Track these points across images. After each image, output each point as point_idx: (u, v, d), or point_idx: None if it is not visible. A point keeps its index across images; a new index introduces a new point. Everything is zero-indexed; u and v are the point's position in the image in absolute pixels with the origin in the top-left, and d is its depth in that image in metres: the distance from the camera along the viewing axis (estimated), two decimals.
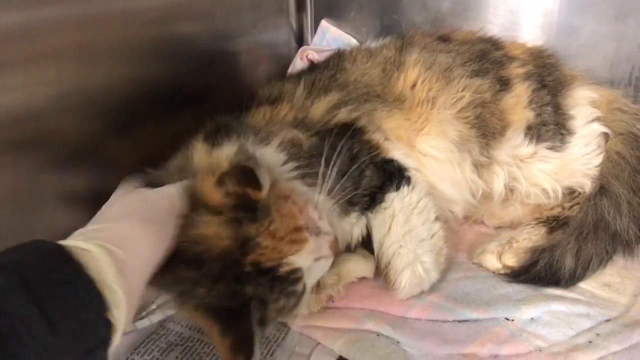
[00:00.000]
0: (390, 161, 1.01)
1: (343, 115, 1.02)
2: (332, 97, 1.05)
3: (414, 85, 1.09)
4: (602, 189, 1.07)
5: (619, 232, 1.01)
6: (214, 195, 0.73)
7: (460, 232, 1.19)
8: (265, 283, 0.75)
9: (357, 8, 1.46)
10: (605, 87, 1.18)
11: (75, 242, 0.64)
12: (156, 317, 1.03)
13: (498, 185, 1.12)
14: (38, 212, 0.91)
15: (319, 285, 0.98)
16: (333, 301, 1.01)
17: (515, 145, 1.11)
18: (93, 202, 0.79)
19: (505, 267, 1.03)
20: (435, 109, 1.07)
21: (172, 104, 1.11)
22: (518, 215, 1.18)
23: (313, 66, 1.22)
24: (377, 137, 1.02)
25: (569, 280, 0.99)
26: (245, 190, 0.72)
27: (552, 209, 1.13)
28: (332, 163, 0.90)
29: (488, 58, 1.14)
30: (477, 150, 1.07)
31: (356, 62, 1.14)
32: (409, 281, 0.96)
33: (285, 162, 0.91)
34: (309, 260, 0.79)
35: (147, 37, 1.05)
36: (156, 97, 1.07)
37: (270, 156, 0.89)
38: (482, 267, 1.07)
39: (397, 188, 0.98)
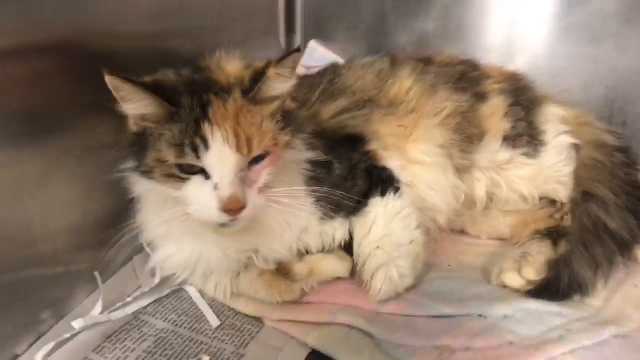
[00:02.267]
0: (383, 169, 1.04)
1: (348, 122, 1.07)
2: (339, 103, 1.09)
3: (409, 90, 1.13)
4: (586, 194, 1.10)
5: (616, 232, 1.03)
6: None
7: (440, 240, 1.20)
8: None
9: (344, 29, 1.52)
10: (572, 106, 1.23)
11: None
12: (131, 309, 1.03)
13: (480, 190, 1.15)
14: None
15: (289, 275, 0.99)
16: (306, 296, 1.02)
17: (493, 151, 1.14)
18: None
19: (528, 282, 1.02)
20: (423, 117, 1.11)
21: None
22: (499, 224, 1.20)
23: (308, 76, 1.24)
24: (375, 146, 1.05)
25: (592, 289, 0.99)
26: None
27: (546, 220, 1.15)
28: (333, 172, 0.98)
29: (466, 78, 1.19)
30: (459, 155, 1.11)
31: (352, 69, 1.19)
32: (383, 284, 0.97)
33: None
34: (217, 161, 0.79)
35: (135, 51, 1.06)
36: None
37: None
38: (506, 286, 1.03)
39: (383, 194, 1.01)
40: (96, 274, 1.03)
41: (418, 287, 1.03)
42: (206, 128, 0.78)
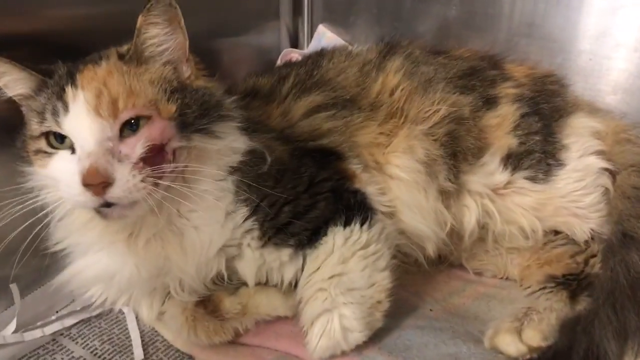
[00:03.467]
0: (354, 192, 0.84)
1: (323, 125, 0.89)
2: (313, 98, 0.92)
3: (392, 93, 0.93)
4: (626, 236, 0.84)
5: None
6: None
7: (431, 274, 0.99)
8: None
9: (356, 13, 1.32)
10: (613, 117, 0.98)
11: None
12: (51, 329, 0.89)
13: (469, 220, 0.92)
14: None
15: (219, 312, 0.82)
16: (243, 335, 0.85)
17: (489, 172, 0.91)
18: None
19: (530, 349, 0.80)
20: (407, 122, 0.91)
21: None
22: (503, 262, 0.97)
23: (290, 64, 1.07)
24: (354, 167, 0.86)
25: None
26: None
27: (565, 263, 0.91)
28: (284, 180, 0.80)
29: (478, 75, 0.97)
30: (444, 174, 0.89)
31: (333, 60, 0.99)
32: (320, 338, 0.77)
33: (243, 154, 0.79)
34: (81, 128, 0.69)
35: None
36: None
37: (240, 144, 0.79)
38: (500, 353, 0.81)
39: (347, 223, 0.81)
40: (12, 286, 0.90)
41: (380, 338, 0.82)
42: (69, 91, 0.70)
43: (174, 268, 0.79)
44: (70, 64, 0.75)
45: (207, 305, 0.84)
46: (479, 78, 0.96)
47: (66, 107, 0.69)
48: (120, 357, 0.86)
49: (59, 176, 0.70)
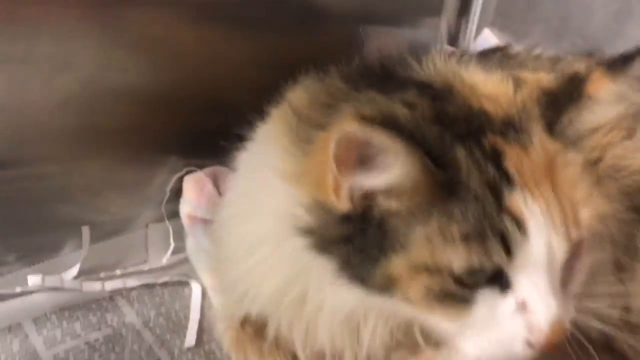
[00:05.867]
0: None
1: None
2: None
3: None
4: None
5: None
6: None
7: None
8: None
9: (532, 22, 1.12)
10: None
11: None
12: (111, 285, 0.81)
13: None
14: None
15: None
16: None
17: None
18: None
19: None
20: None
21: None
22: None
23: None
24: None
25: None
26: None
27: None
28: None
29: None
30: None
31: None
32: None
33: None
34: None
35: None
36: None
37: None
38: None
39: None
40: (84, 228, 0.82)
41: None
42: (516, 198, 0.42)
43: None
44: (465, 142, 0.44)
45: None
46: None
47: (522, 230, 0.41)
48: (170, 335, 0.76)
49: (481, 327, 0.45)
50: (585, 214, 0.43)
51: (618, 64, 0.46)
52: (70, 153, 0.80)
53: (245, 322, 0.68)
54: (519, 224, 0.41)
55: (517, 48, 0.86)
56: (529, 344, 0.43)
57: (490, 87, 0.50)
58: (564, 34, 1.10)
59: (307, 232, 0.47)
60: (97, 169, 0.83)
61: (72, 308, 0.77)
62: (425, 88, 0.50)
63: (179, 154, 0.89)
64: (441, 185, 0.42)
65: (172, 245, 0.88)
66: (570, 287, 0.46)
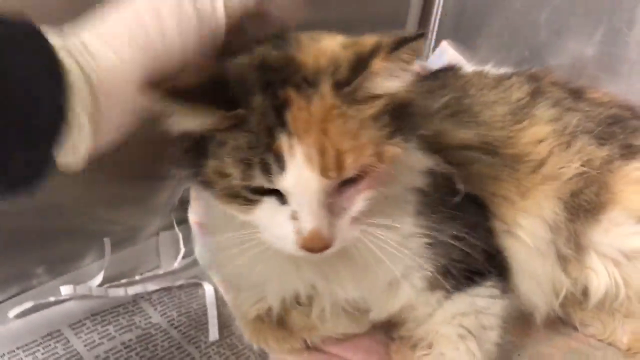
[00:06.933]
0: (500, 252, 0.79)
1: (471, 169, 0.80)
2: (466, 135, 0.81)
3: (542, 140, 0.83)
4: None
5: None
6: None
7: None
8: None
9: (486, 36, 1.27)
10: None
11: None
12: (133, 290, 0.90)
13: (597, 286, 0.83)
14: None
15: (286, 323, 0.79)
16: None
17: (623, 234, 0.82)
18: None
19: None
20: (544, 179, 0.81)
21: None
22: (614, 326, 0.88)
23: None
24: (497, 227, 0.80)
25: None
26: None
27: None
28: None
29: (619, 124, 0.88)
30: (564, 240, 0.80)
31: (481, 90, 0.88)
32: None
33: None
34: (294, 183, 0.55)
35: None
36: None
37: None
38: None
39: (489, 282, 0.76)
40: (106, 240, 0.90)
41: None
42: (282, 141, 0.54)
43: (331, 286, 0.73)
44: (267, 90, 0.56)
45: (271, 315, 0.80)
46: (620, 126, 0.87)
47: (281, 164, 0.54)
48: (195, 332, 0.86)
49: (265, 225, 0.60)
50: (349, 160, 0.55)
51: (393, 47, 0.56)
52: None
53: (258, 315, 0.80)
54: (279, 160, 0.54)
55: (467, 69, 0.99)
56: (298, 245, 0.57)
57: (326, 46, 0.61)
58: (513, 47, 1.24)
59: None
60: (115, 185, 0.90)
61: (102, 313, 0.85)
62: (279, 40, 0.62)
63: None
64: (236, 119, 0.55)
65: (183, 250, 0.97)
66: (348, 212, 0.59)
